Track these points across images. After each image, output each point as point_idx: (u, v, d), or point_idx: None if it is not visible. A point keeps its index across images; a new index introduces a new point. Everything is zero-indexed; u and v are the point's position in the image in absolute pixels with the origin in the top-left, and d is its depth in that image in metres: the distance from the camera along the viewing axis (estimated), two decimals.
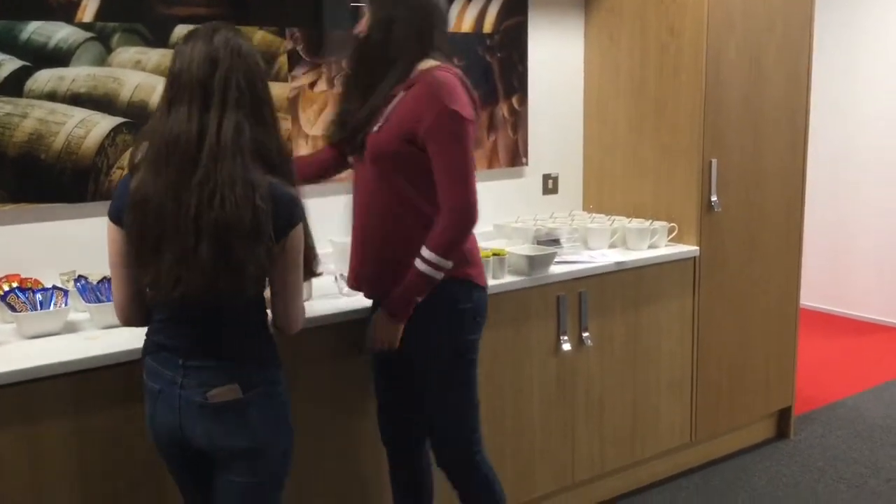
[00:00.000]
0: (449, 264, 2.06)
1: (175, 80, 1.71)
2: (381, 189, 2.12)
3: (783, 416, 3.72)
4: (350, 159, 2.26)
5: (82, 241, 2.46)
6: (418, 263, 2.05)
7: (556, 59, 3.48)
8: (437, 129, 2.00)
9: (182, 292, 1.67)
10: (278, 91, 2.80)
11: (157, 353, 1.81)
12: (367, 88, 2.15)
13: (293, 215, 1.73)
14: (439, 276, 2.06)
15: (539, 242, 2.97)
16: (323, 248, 2.76)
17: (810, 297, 5.42)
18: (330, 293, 2.52)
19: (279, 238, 1.71)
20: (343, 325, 2.36)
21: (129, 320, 1.85)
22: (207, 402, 1.75)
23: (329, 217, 2.97)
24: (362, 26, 2.14)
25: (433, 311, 2.13)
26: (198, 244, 1.64)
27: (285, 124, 2.83)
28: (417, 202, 2.10)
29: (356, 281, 2.26)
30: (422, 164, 2.05)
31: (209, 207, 1.63)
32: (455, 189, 2.02)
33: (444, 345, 2.19)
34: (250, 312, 1.80)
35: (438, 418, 2.27)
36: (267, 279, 1.78)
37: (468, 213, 2.03)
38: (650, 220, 3.24)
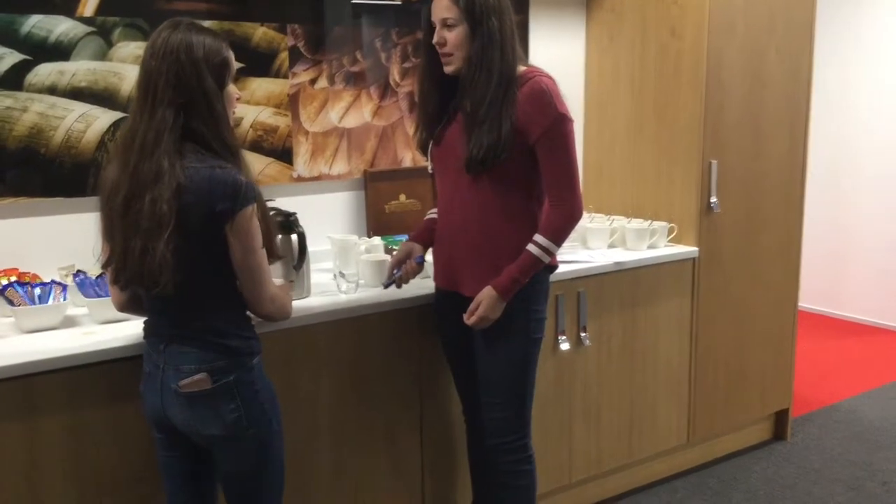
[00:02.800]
0: (557, 249, 2.22)
1: (138, 80, 1.81)
2: (486, 192, 2.20)
3: (780, 418, 3.72)
4: (430, 167, 2.35)
5: (81, 236, 2.43)
6: (532, 248, 2.18)
7: (556, 58, 3.48)
8: (551, 135, 2.14)
9: (125, 280, 1.80)
10: (279, 88, 2.81)
11: (149, 336, 1.91)
12: (445, 98, 2.26)
13: (236, 199, 1.75)
14: (546, 260, 2.21)
15: None
16: (321, 245, 2.79)
17: (809, 299, 5.43)
18: (329, 291, 2.51)
19: (224, 223, 1.76)
20: (343, 322, 2.36)
21: (118, 306, 1.96)
22: (181, 389, 1.82)
23: (326, 215, 2.99)
24: (445, 39, 2.15)
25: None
26: (127, 238, 1.74)
27: (285, 121, 2.83)
28: (521, 200, 2.22)
29: (450, 280, 2.33)
30: (525, 162, 2.17)
31: (132, 203, 1.73)
32: (567, 188, 2.17)
33: (518, 319, 2.25)
34: (219, 299, 1.84)
35: (502, 400, 2.31)
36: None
37: (578, 208, 2.20)
38: (649, 221, 3.24)
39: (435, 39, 2.17)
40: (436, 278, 2.42)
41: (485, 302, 2.19)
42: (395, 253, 2.45)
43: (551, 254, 2.20)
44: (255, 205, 1.79)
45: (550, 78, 2.19)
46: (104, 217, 1.81)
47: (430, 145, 2.31)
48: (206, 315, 1.83)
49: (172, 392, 1.83)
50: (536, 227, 2.22)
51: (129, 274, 1.77)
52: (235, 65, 1.90)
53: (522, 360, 2.30)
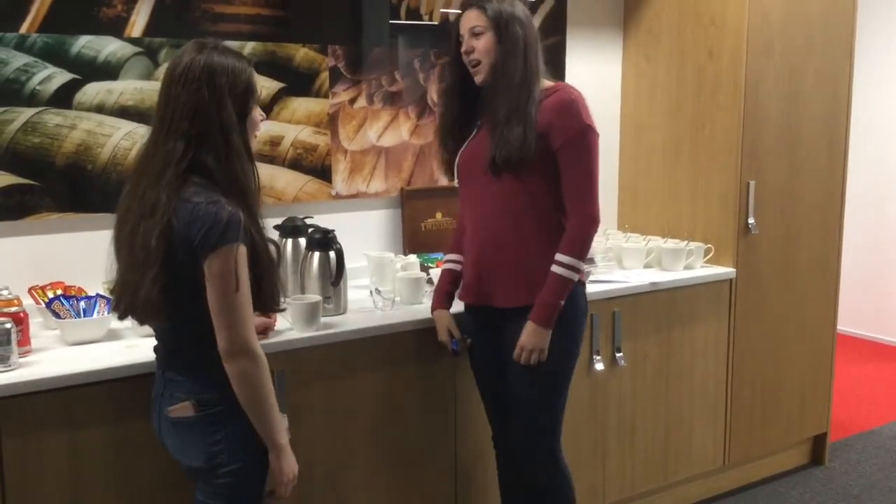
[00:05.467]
0: (583, 266, 2.23)
1: (157, 102, 1.78)
2: (514, 201, 2.22)
3: (818, 442, 3.67)
4: (456, 177, 2.37)
5: None
6: (556, 269, 2.19)
7: (593, 78, 3.49)
8: (575, 144, 2.17)
9: (123, 310, 1.79)
10: (319, 107, 2.85)
11: (156, 361, 1.89)
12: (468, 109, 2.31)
13: (213, 236, 1.65)
14: (576, 277, 2.21)
15: None
16: (358, 261, 2.82)
17: (847, 321, 5.33)
18: (365, 307, 2.54)
19: (201, 259, 1.66)
20: (379, 339, 2.38)
21: None
22: (169, 416, 1.79)
23: (363, 232, 3.02)
24: (473, 47, 2.21)
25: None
26: (126, 269, 1.74)
27: (324, 139, 2.87)
28: (550, 209, 2.23)
29: (480, 294, 2.32)
30: (552, 171, 2.19)
31: (133, 234, 1.71)
32: (585, 199, 2.20)
33: (558, 342, 2.24)
34: (212, 334, 1.71)
35: (534, 415, 2.31)
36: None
37: (595, 221, 2.22)
38: (686, 241, 3.22)
39: (464, 48, 2.24)
40: (462, 296, 2.40)
41: (525, 333, 2.21)
42: (439, 330, 2.41)
43: (578, 270, 2.20)
44: (240, 245, 1.67)
45: (579, 91, 2.23)
46: (114, 241, 1.80)
47: (457, 159, 2.34)
48: (199, 347, 1.74)
49: (165, 417, 1.81)
50: (554, 229, 2.23)
51: (124, 305, 1.77)
52: (260, 87, 1.83)
53: (555, 372, 2.28)
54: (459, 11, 2.29)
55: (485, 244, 2.28)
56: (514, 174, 2.19)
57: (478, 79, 2.25)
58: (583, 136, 2.17)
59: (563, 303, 2.20)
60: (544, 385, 2.28)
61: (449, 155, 2.37)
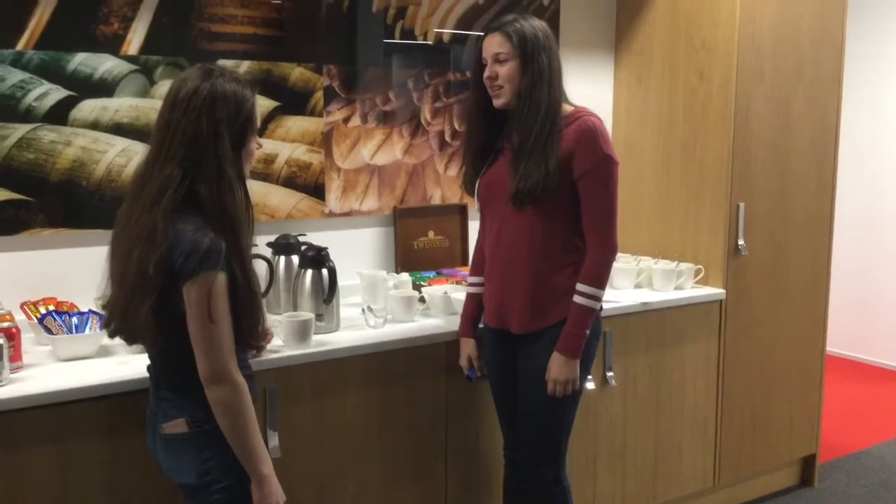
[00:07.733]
0: (603, 294, 2.24)
1: (155, 126, 1.77)
2: (534, 228, 2.23)
3: (807, 464, 3.68)
4: (477, 205, 2.40)
5: None
6: (578, 299, 2.21)
7: (584, 99, 3.48)
8: (595, 174, 2.19)
9: (113, 329, 1.81)
10: (313, 126, 2.87)
11: (149, 379, 1.89)
12: (491, 135, 2.33)
13: (192, 262, 1.65)
14: (598, 305, 2.24)
15: None
16: (350, 279, 2.83)
17: (837, 343, 5.36)
18: (358, 325, 2.55)
19: (181, 283, 1.67)
20: (371, 356, 2.39)
21: None
22: (163, 433, 1.80)
23: (356, 250, 3.03)
24: (497, 73, 2.22)
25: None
26: (120, 290, 1.74)
27: (318, 157, 2.89)
28: (569, 237, 2.25)
29: (500, 319, 2.35)
30: (572, 199, 2.21)
31: (126, 258, 1.71)
32: (605, 228, 2.21)
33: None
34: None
35: (540, 433, 2.33)
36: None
37: (612, 250, 2.24)
38: (676, 262, 3.25)
39: (487, 74, 2.24)
40: (486, 317, 2.43)
41: (552, 366, 2.24)
42: (461, 354, 2.48)
43: (598, 298, 2.22)
44: (219, 273, 1.67)
45: (599, 119, 2.24)
46: (109, 259, 1.79)
47: (478, 182, 2.36)
48: (190, 368, 1.73)
49: (159, 436, 1.81)
50: (575, 254, 2.25)
51: (114, 326, 1.79)
52: (259, 118, 1.84)
53: (569, 398, 2.30)
54: (482, 34, 2.29)
55: (504, 271, 2.31)
56: (536, 204, 2.20)
57: (497, 102, 2.26)
58: (602, 166, 2.19)
59: (587, 332, 2.23)
60: (554, 403, 2.29)
61: (472, 174, 2.39)
